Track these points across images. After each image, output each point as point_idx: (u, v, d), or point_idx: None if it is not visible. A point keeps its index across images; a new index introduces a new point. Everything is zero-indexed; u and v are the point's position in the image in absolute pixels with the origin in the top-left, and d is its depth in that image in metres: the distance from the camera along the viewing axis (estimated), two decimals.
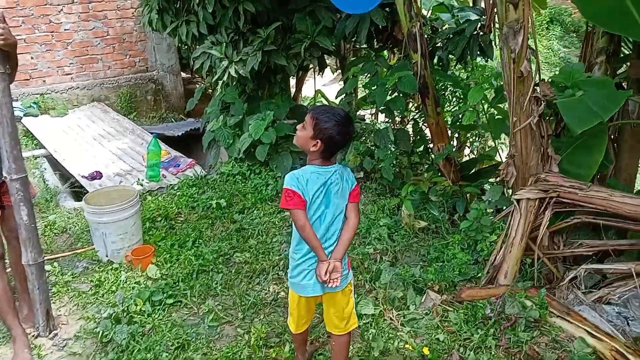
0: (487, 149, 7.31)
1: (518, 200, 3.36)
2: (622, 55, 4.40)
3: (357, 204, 2.47)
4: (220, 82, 5.20)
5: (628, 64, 4.43)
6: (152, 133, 6.55)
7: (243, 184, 5.02)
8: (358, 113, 5.67)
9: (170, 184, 5.16)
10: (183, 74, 9.32)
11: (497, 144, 7.19)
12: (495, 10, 3.29)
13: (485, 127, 4.14)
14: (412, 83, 4.29)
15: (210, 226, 4.38)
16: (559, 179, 3.32)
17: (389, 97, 4.42)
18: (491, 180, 4.38)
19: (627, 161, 3.96)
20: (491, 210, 3.48)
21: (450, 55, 5.01)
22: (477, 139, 6.88)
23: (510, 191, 4.08)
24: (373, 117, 5.90)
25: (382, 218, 4.04)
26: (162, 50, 8.43)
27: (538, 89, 3.27)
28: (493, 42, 4.64)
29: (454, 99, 6.63)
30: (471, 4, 7.93)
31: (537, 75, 3.25)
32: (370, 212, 4.23)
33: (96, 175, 5.33)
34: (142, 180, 5.09)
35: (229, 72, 4.93)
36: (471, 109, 3.88)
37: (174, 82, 8.68)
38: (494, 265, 3.28)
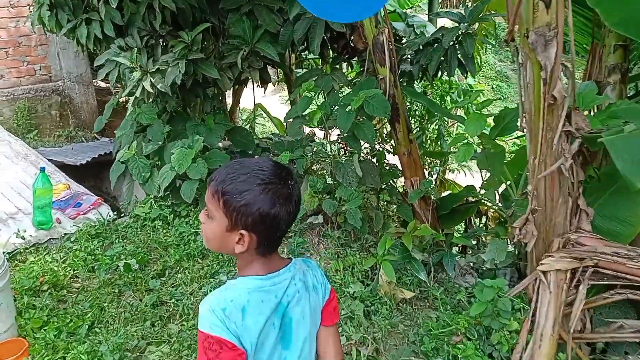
0: (446, 174, 6.55)
1: (544, 272, 2.46)
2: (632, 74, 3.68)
3: (336, 326, 1.44)
4: (132, 98, 4.03)
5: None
6: (50, 160, 5.23)
7: (165, 232, 3.86)
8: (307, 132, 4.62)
9: (66, 233, 3.92)
10: (102, 84, 7.95)
11: (461, 168, 6.46)
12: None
13: (482, 163, 3.25)
14: (383, 105, 3.33)
15: (117, 298, 3.21)
16: (598, 243, 2.45)
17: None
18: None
19: None
20: (501, 286, 2.54)
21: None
22: (438, 164, 6.07)
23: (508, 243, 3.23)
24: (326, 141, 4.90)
25: (353, 283, 3.03)
26: (68, 56, 7.05)
27: (570, 120, 2.38)
28: (477, 54, 3.79)
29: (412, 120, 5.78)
30: (427, 11, 7.18)
31: (571, 100, 2.37)
32: (335, 272, 3.21)
33: None
34: (23, 231, 3.80)
35: (143, 86, 3.78)
36: (466, 141, 2.96)
37: (84, 94, 7.31)
38: None
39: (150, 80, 3.75)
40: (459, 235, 4.22)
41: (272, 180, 1.19)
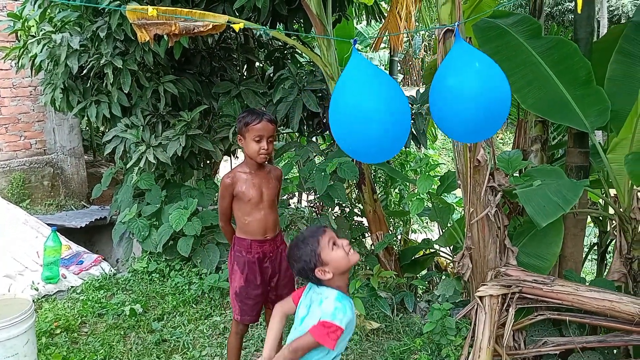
0: (409, 235, 7.25)
1: (481, 297, 3.09)
2: (552, 144, 4.52)
3: None
4: (135, 169, 4.66)
5: (560, 151, 4.54)
6: (49, 224, 5.71)
7: (161, 284, 4.37)
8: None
9: (72, 286, 4.38)
10: (85, 157, 8.55)
11: (422, 229, 7.17)
12: None
13: (433, 216, 3.94)
14: (352, 170, 4.05)
15: (123, 338, 3.67)
16: (521, 273, 3.12)
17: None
18: (438, 271, 4.13)
19: (571, 250, 3.89)
20: (447, 308, 3.17)
21: None
22: (402, 223, 6.77)
23: (461, 283, 3.86)
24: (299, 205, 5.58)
25: None
26: (63, 132, 7.67)
27: (494, 178, 3.12)
28: (432, 128, 4.59)
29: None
30: None
31: (492, 163, 3.12)
32: None
33: None
34: (37, 283, 4.26)
35: (147, 158, 4.42)
36: (418, 197, 3.67)
37: (75, 166, 7.88)
38: None
39: (154, 153, 4.40)
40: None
41: None
